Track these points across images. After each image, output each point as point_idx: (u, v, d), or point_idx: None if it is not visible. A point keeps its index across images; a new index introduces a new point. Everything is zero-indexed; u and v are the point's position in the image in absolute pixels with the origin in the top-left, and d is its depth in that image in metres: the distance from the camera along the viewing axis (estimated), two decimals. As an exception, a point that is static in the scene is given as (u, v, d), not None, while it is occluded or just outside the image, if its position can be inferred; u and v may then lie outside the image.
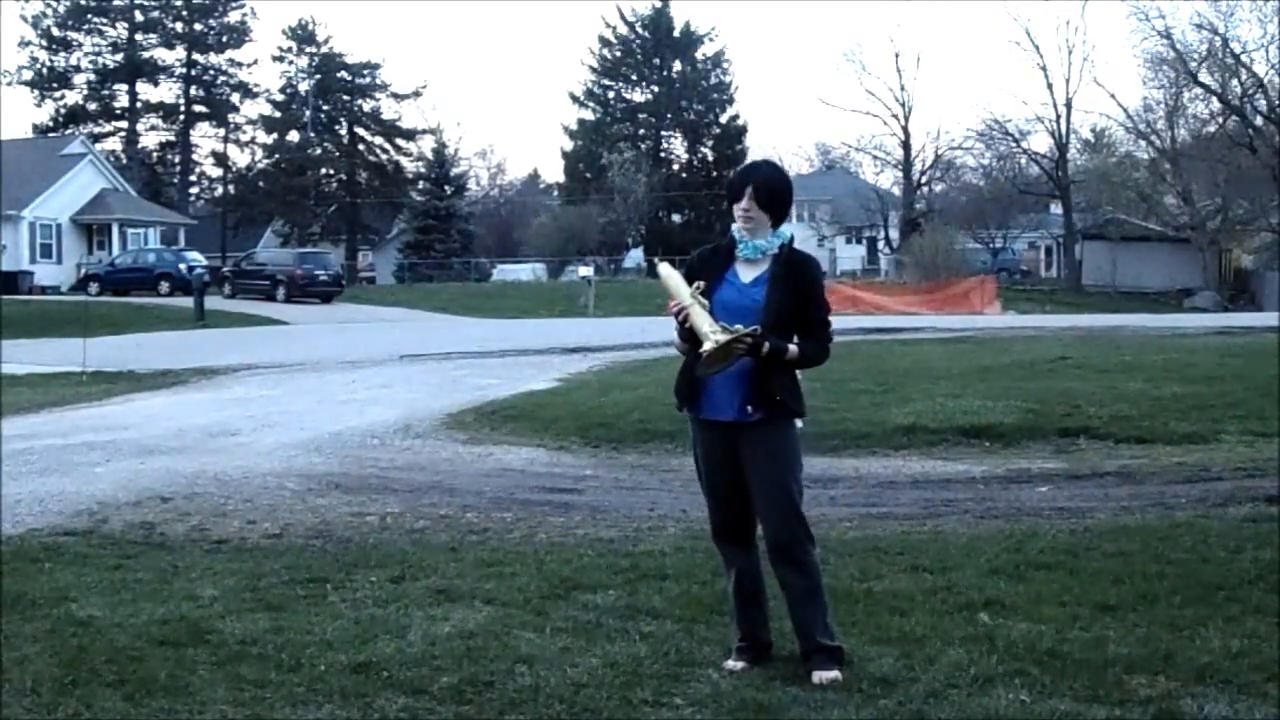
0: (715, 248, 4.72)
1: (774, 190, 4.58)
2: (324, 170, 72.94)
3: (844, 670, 4.46)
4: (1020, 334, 22.01)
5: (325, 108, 71.53)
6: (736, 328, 4.36)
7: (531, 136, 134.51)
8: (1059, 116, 57.35)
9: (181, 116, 71.53)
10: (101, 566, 6.44)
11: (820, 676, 4.42)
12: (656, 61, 71.73)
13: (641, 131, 72.44)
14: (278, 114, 71.56)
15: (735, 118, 71.88)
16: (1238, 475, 8.84)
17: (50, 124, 67.75)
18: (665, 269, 4.68)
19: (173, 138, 72.54)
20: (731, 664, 4.62)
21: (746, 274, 4.58)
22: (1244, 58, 52.29)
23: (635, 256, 63.44)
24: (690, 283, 4.53)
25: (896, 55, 79.77)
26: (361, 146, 73.41)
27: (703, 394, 4.59)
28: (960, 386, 13.04)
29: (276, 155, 71.03)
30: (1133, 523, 7.20)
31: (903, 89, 64.80)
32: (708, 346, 4.33)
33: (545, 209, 72.91)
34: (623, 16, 72.17)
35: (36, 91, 68.75)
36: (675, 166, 72.10)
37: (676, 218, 70.49)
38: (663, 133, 72.74)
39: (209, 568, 6.43)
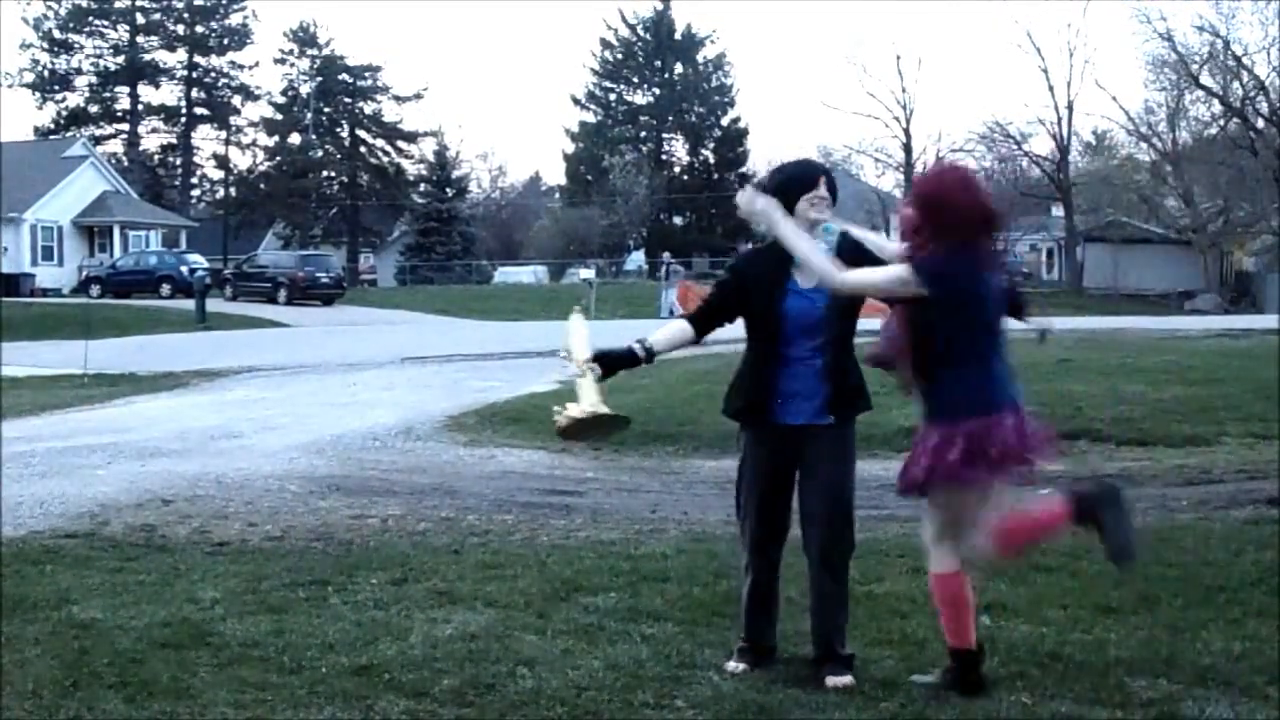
0: (769, 250, 4.51)
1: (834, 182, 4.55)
2: (325, 173, 72.99)
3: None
4: (1021, 336, 21.99)
5: (327, 110, 71.59)
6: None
7: (533, 139, 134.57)
8: (1060, 119, 57.33)
9: (183, 119, 71.63)
10: (103, 569, 6.44)
11: (835, 682, 4.42)
12: (658, 64, 71.78)
13: (643, 134, 72.50)
14: (279, 116, 71.63)
15: (736, 120, 71.95)
16: (1239, 478, 8.85)
17: (51, 126, 67.85)
18: (577, 320, 4.63)
19: (174, 140, 72.67)
20: (733, 665, 4.61)
21: (806, 280, 4.43)
22: (1245, 60, 52.32)
23: (637, 259, 63.43)
24: (738, 288, 4.54)
25: (898, 57, 79.55)
26: (363, 149, 73.48)
27: (775, 398, 4.50)
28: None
29: (278, 158, 71.07)
30: (1134, 525, 7.19)
31: (904, 91, 64.83)
32: (564, 420, 4.41)
33: (546, 211, 72.98)
34: (624, 19, 72.32)
35: (38, 94, 68.89)
36: (677, 169, 72.11)
37: (678, 220, 70.51)
38: (664, 135, 72.79)
39: (210, 570, 6.43)
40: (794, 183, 4.47)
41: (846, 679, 4.43)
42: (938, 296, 4.11)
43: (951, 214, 4.14)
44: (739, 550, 4.79)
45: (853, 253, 4.42)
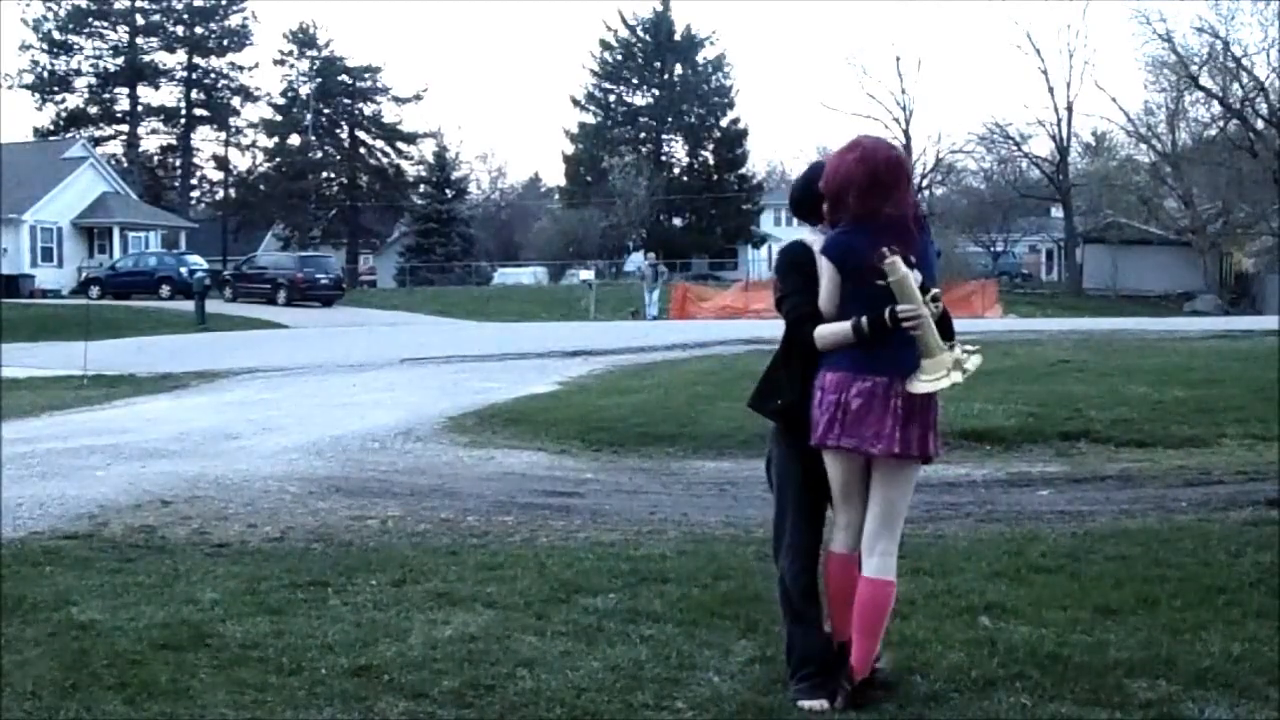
0: None
1: None
2: (325, 174, 73.03)
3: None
4: (1021, 337, 22.00)
5: (326, 111, 71.61)
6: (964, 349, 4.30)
7: (532, 140, 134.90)
8: (1060, 120, 57.47)
9: (182, 120, 71.66)
10: (102, 570, 6.44)
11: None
12: (657, 65, 71.78)
13: (642, 135, 72.49)
14: (279, 117, 71.66)
15: (736, 121, 71.91)
16: (1238, 479, 8.84)
17: (51, 127, 67.85)
18: (903, 267, 4.08)
19: (174, 141, 72.73)
20: (818, 704, 4.21)
21: None
22: (1245, 61, 52.43)
23: (636, 260, 63.47)
24: None
25: (897, 59, 79.76)
26: (362, 150, 73.54)
27: None
28: (961, 390, 13.00)
29: (277, 159, 71.13)
30: (1133, 526, 7.20)
31: (904, 92, 64.85)
32: (950, 379, 4.27)
33: (546, 212, 73.02)
34: (624, 20, 72.34)
35: (37, 95, 68.91)
36: (676, 170, 72.09)
37: (677, 221, 70.50)
38: (663, 136, 72.78)
39: (210, 571, 6.43)
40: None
41: None
42: (839, 266, 4.20)
43: (845, 196, 4.19)
44: (786, 564, 4.42)
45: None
